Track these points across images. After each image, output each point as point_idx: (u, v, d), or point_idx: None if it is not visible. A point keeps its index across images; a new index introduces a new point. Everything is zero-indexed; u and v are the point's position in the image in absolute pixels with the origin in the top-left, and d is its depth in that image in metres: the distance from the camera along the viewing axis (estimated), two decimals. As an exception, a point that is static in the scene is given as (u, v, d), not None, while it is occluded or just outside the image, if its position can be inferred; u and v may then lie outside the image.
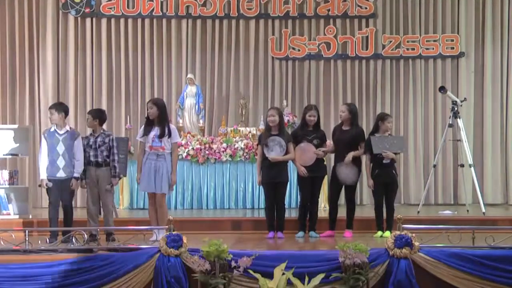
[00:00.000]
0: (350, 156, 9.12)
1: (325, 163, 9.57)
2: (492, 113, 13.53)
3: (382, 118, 9.45)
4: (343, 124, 9.41)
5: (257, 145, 9.46)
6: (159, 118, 8.69)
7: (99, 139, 8.91)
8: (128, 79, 13.81)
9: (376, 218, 9.31)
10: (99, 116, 9.11)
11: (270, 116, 9.18)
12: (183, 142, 12.27)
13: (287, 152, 9.10)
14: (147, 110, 8.90)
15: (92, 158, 8.87)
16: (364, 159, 9.45)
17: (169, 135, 8.66)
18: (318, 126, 9.38)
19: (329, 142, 9.55)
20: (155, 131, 8.66)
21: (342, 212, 9.47)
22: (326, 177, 9.85)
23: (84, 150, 8.87)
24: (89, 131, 13.02)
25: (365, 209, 12.62)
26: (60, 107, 8.97)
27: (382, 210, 9.29)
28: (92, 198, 8.95)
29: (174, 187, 9.11)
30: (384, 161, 9.17)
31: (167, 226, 7.45)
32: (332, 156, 9.62)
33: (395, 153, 9.27)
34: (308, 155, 9.14)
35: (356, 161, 9.25)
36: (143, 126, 8.93)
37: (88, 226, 8.79)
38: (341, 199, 9.63)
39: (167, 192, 8.74)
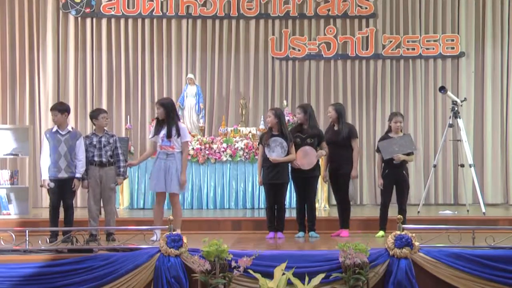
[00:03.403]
0: (355, 171, 9.27)
1: (319, 163, 9.55)
2: (493, 113, 13.55)
3: (389, 118, 9.50)
4: (334, 125, 9.45)
5: (258, 144, 9.48)
6: (167, 118, 8.70)
7: (103, 139, 8.91)
8: (128, 79, 13.83)
9: (380, 217, 9.30)
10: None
11: (267, 117, 9.25)
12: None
13: (288, 153, 9.11)
14: (156, 110, 8.93)
15: (96, 158, 8.86)
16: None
17: (178, 134, 8.66)
18: (312, 125, 9.36)
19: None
20: (165, 130, 8.68)
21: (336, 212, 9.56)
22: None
23: (86, 150, 8.87)
24: (89, 131, 13.12)
25: (365, 209, 12.65)
26: (63, 108, 8.99)
27: (387, 210, 9.29)
28: (94, 198, 8.93)
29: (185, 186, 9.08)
30: (395, 162, 9.17)
31: (167, 226, 7.45)
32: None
33: (408, 154, 9.27)
34: (308, 159, 9.13)
35: (347, 169, 9.30)
36: (154, 126, 8.97)
37: (89, 226, 8.80)
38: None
39: (177, 191, 8.73)
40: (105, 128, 9.10)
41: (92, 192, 8.94)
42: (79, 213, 10.65)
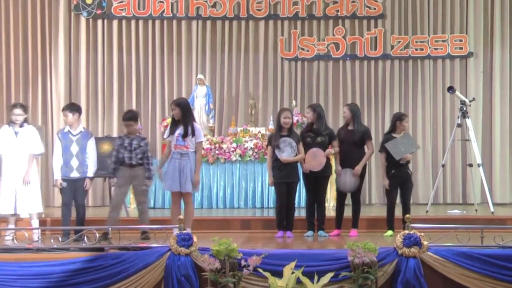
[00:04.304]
0: (359, 168, 9.24)
1: (331, 162, 9.60)
2: (501, 113, 13.57)
3: (399, 118, 9.49)
4: (348, 125, 9.49)
5: (267, 146, 9.53)
6: (183, 118, 8.75)
7: (134, 142, 9.00)
8: (139, 79, 13.91)
9: (387, 217, 9.33)
10: (138, 117, 9.29)
11: (285, 118, 9.23)
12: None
13: (297, 152, 9.19)
14: (171, 111, 8.99)
15: (126, 160, 8.96)
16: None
17: (193, 134, 8.71)
18: (323, 124, 9.40)
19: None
20: (180, 130, 8.73)
21: (349, 211, 9.52)
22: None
23: (118, 151, 8.98)
24: (101, 131, 13.19)
25: (374, 208, 12.67)
26: (74, 108, 9.06)
27: (394, 209, 9.33)
28: (119, 197, 9.06)
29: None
30: (401, 162, 9.23)
31: (177, 226, 7.50)
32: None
33: (410, 153, 9.36)
34: (318, 160, 9.19)
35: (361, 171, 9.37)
36: (169, 126, 9.01)
37: (107, 223, 8.86)
38: (348, 198, 9.63)
39: (191, 190, 8.78)
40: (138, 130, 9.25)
41: (118, 191, 9.04)
42: (91, 212, 10.75)
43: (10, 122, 9.07)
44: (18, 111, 9.06)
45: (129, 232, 8.88)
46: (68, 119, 8.92)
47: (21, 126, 9.05)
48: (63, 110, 9.09)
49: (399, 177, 9.27)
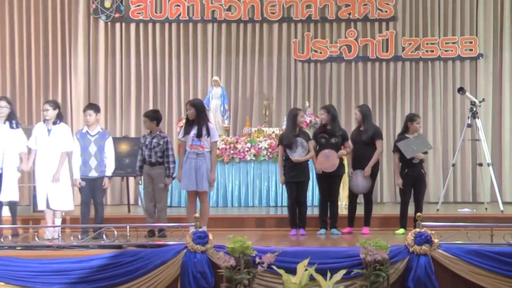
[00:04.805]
0: (369, 169, 9.38)
1: (343, 162, 9.74)
2: (510, 113, 13.58)
3: (411, 119, 9.63)
4: (360, 126, 9.64)
5: (278, 145, 9.71)
6: (197, 118, 8.91)
7: (154, 140, 9.19)
8: (156, 81, 14.03)
9: (400, 215, 9.44)
10: (156, 117, 9.44)
11: (302, 117, 9.52)
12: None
13: (307, 151, 9.37)
14: (186, 111, 9.16)
15: (147, 158, 9.18)
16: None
17: (208, 134, 8.88)
18: (336, 125, 9.56)
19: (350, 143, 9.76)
20: (195, 130, 8.89)
21: (361, 210, 9.65)
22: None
23: (141, 149, 9.23)
24: (119, 132, 13.34)
25: (386, 206, 12.74)
26: (97, 108, 9.28)
27: (407, 208, 9.44)
28: (148, 195, 9.24)
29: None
30: (414, 161, 9.36)
31: (193, 224, 7.65)
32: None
33: (424, 152, 9.49)
34: (330, 162, 9.36)
35: (373, 169, 9.49)
36: (184, 126, 9.18)
37: (147, 222, 9.14)
38: (361, 197, 9.80)
39: (207, 189, 8.95)
40: (159, 129, 9.41)
41: (145, 189, 9.27)
42: (109, 211, 10.89)
43: (45, 120, 9.16)
44: (46, 106, 9.14)
45: (146, 230, 9.10)
46: (91, 118, 9.08)
47: (54, 123, 9.12)
48: (86, 109, 9.21)
49: (412, 177, 9.39)
